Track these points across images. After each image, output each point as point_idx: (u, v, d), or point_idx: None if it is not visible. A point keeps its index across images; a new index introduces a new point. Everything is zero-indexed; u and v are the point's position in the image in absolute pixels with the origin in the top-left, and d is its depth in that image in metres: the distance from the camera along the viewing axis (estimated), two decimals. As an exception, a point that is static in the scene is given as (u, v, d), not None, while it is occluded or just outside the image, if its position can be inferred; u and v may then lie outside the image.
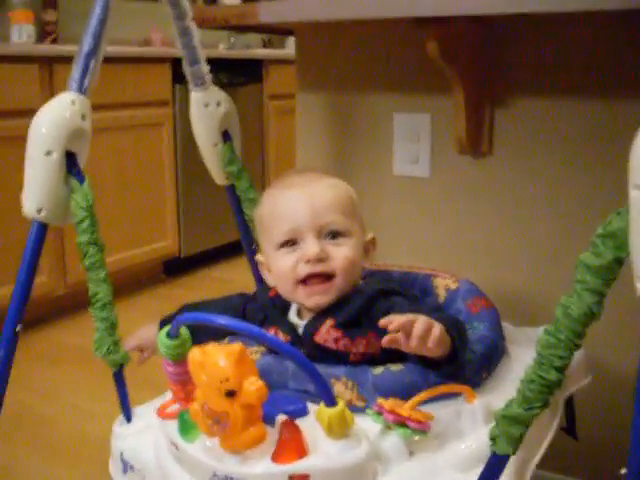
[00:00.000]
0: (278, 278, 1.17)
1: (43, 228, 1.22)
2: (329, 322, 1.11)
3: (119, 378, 1.20)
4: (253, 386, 0.83)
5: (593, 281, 0.77)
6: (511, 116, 1.60)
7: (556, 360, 0.80)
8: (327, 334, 1.11)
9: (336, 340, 1.10)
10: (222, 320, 0.85)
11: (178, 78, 3.41)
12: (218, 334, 1.19)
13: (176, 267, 3.71)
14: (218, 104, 1.47)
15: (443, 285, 1.28)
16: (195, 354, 0.86)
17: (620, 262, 0.76)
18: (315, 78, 1.82)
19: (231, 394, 0.83)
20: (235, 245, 3.75)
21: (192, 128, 1.49)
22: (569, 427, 1.24)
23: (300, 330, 1.15)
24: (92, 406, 2.27)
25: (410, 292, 1.21)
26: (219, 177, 1.53)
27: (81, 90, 1.22)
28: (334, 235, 1.14)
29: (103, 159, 3.12)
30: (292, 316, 1.18)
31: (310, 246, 1.12)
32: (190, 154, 3.50)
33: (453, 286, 1.27)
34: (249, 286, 1.63)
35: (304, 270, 1.12)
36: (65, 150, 1.19)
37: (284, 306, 1.20)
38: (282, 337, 1.15)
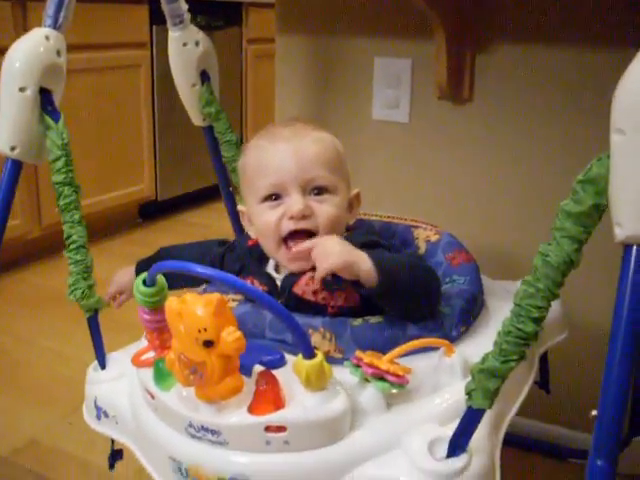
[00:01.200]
0: (261, 233, 1.15)
1: (17, 166, 1.20)
2: (309, 274, 1.09)
3: (93, 323, 1.20)
4: (231, 336, 0.82)
5: (572, 228, 0.76)
6: (492, 62, 1.58)
7: (533, 311, 0.79)
8: (306, 286, 1.09)
9: (315, 292, 1.09)
10: (199, 269, 0.83)
11: (156, 19, 3.34)
12: (194, 281, 1.19)
13: (152, 211, 3.67)
14: (196, 44, 1.45)
15: (424, 237, 1.27)
16: (173, 303, 0.85)
17: (600, 209, 0.75)
18: (295, 21, 1.78)
19: (209, 344, 0.82)
20: (212, 190, 3.71)
21: (170, 68, 1.47)
22: (542, 381, 1.24)
23: (278, 282, 1.13)
24: (66, 349, 2.26)
25: (391, 243, 1.19)
26: (197, 118, 1.51)
27: (55, 26, 1.19)
28: (319, 191, 1.11)
29: (79, 101, 3.06)
30: (270, 269, 1.17)
31: (294, 202, 1.09)
32: (168, 97, 3.45)
33: (434, 238, 1.26)
34: (226, 231, 1.62)
35: (287, 227, 1.10)
36: (39, 87, 1.16)
37: (262, 257, 1.18)
38: (259, 288, 1.14)
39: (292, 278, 1.11)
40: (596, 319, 1.58)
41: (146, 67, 3.41)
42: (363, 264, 0.98)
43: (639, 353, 0.75)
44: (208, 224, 3.54)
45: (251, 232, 1.20)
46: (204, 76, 1.47)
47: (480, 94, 1.61)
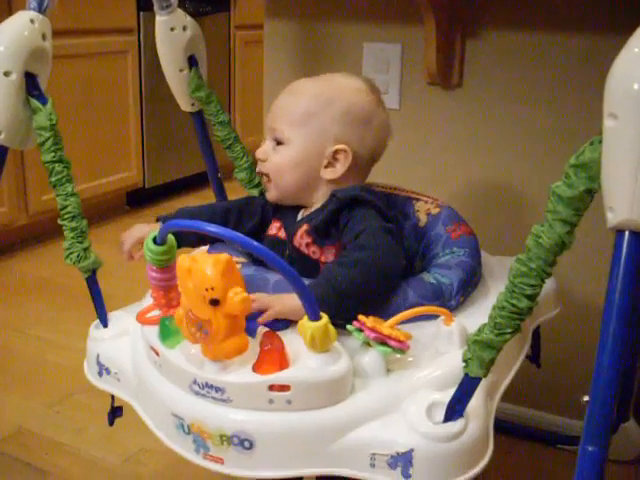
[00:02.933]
0: None
1: (3, 151, 1.19)
2: (305, 226, 1.15)
3: (92, 283, 1.21)
4: (237, 297, 0.84)
5: (565, 211, 0.77)
6: (482, 47, 1.59)
7: (527, 288, 0.81)
8: (301, 238, 1.14)
9: (307, 245, 1.14)
10: (210, 227, 0.85)
11: (143, 5, 3.32)
12: (201, 240, 1.22)
13: (140, 198, 3.65)
14: (184, 28, 1.43)
15: (425, 209, 1.27)
16: (184, 261, 0.86)
17: (592, 193, 0.76)
18: (284, 6, 1.78)
19: (215, 302, 0.84)
20: (200, 176, 3.70)
21: (158, 53, 1.45)
22: (533, 356, 1.25)
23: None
24: (53, 337, 2.25)
25: (389, 211, 1.19)
26: (185, 104, 1.50)
27: (41, 9, 1.18)
28: (278, 142, 1.19)
29: (65, 87, 3.03)
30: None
31: (260, 147, 1.20)
32: (155, 83, 3.43)
33: (434, 211, 1.26)
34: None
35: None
36: (25, 71, 1.15)
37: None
38: (279, 231, 1.21)
39: (293, 229, 1.16)
40: (587, 296, 1.60)
41: (133, 53, 3.39)
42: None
43: (630, 339, 0.74)
44: (196, 211, 3.52)
45: None
46: (192, 61, 1.46)
47: (470, 79, 1.62)
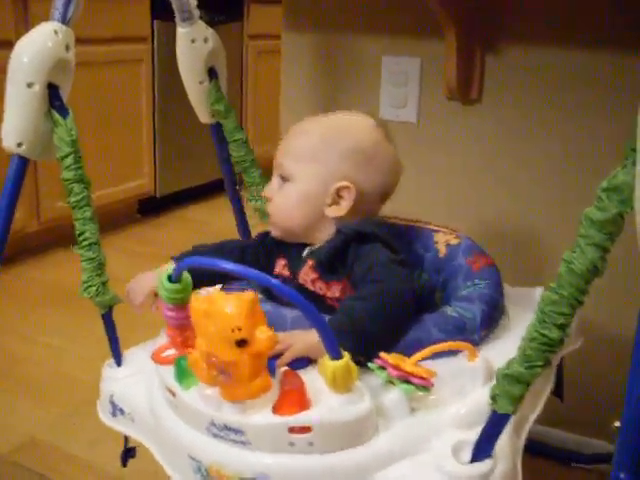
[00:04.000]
0: None
1: (23, 163, 1.18)
2: (310, 262, 1.13)
3: (108, 320, 1.19)
4: (264, 334, 0.82)
5: (597, 236, 0.75)
6: (502, 63, 1.58)
7: (558, 317, 0.78)
8: (306, 275, 1.12)
9: (313, 281, 1.12)
10: (226, 265, 0.82)
11: (157, 14, 3.32)
12: (215, 279, 1.18)
13: (151, 207, 3.65)
14: (205, 40, 1.42)
15: (444, 240, 1.25)
16: (200, 302, 0.84)
17: (624, 217, 0.75)
18: (302, 18, 1.77)
19: (242, 343, 0.81)
20: (212, 186, 3.70)
21: (178, 65, 1.45)
22: (556, 389, 1.23)
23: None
24: (66, 345, 2.24)
25: (395, 242, 1.17)
26: (204, 116, 1.49)
27: (64, 20, 1.17)
28: (283, 179, 1.18)
29: (78, 95, 3.02)
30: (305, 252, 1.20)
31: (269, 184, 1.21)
32: (169, 92, 3.43)
33: (454, 242, 1.25)
34: (225, 228, 1.61)
35: None
36: (47, 82, 1.14)
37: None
38: (286, 271, 1.18)
39: (298, 265, 1.14)
40: (606, 318, 1.57)
41: (147, 62, 3.39)
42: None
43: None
44: (208, 220, 3.52)
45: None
46: (212, 73, 1.46)
47: (489, 94, 1.61)
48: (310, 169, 1.16)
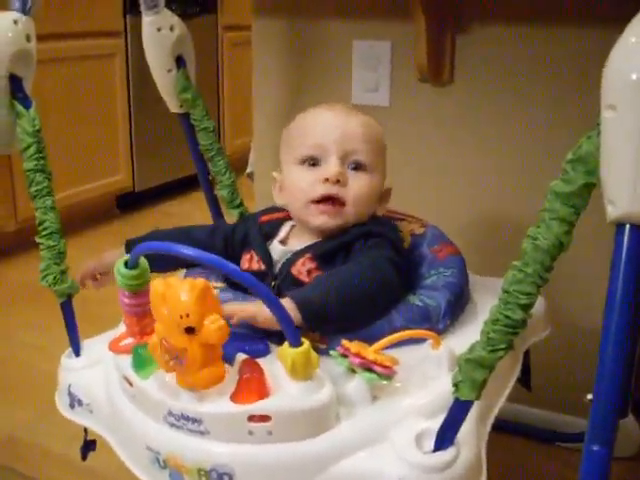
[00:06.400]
0: (292, 193, 1.15)
1: (-12, 154, 1.17)
2: (307, 255, 1.09)
3: (67, 309, 1.17)
4: (214, 325, 0.80)
5: (562, 209, 0.74)
6: (473, 42, 1.57)
7: (522, 297, 0.77)
8: (302, 266, 1.09)
9: (309, 272, 1.08)
10: (184, 250, 0.80)
11: (130, 8, 3.29)
12: (177, 264, 1.18)
13: (130, 202, 3.62)
14: (171, 28, 1.41)
15: (408, 230, 1.24)
16: (157, 286, 0.82)
17: (590, 188, 0.74)
18: (272, 4, 1.75)
19: (190, 331, 0.80)
20: (191, 179, 3.67)
21: (145, 54, 1.43)
22: (524, 378, 1.22)
23: (277, 260, 1.13)
24: (44, 344, 2.21)
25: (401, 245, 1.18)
26: (173, 105, 1.48)
27: (24, 10, 1.15)
28: (357, 166, 1.12)
29: (52, 92, 3.00)
30: (275, 243, 1.16)
31: (331, 166, 1.10)
32: (144, 86, 3.39)
33: (419, 231, 1.24)
34: (207, 221, 1.59)
35: (321, 189, 1.10)
36: (9, 73, 1.13)
37: (270, 234, 1.18)
38: (255, 264, 1.13)
39: (292, 259, 1.10)
40: (583, 293, 1.58)
41: (121, 56, 3.36)
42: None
43: (633, 336, 0.73)
44: (187, 214, 3.48)
45: (280, 199, 1.20)
46: (180, 61, 1.44)
47: (461, 75, 1.60)
48: (381, 164, 1.16)
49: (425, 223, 1.25)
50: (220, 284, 1.10)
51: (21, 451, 1.72)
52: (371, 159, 1.13)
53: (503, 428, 1.65)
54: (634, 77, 0.66)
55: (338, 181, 1.09)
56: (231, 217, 1.49)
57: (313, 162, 1.12)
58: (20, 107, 1.14)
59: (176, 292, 0.80)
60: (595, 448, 0.73)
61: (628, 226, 0.71)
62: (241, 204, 1.48)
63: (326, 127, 1.12)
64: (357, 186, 1.11)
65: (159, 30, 1.40)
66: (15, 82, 1.14)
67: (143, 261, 0.92)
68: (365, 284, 1.01)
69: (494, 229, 1.63)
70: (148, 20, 1.40)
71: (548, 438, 1.68)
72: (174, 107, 1.49)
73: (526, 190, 1.56)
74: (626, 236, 0.71)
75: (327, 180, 1.09)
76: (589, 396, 0.75)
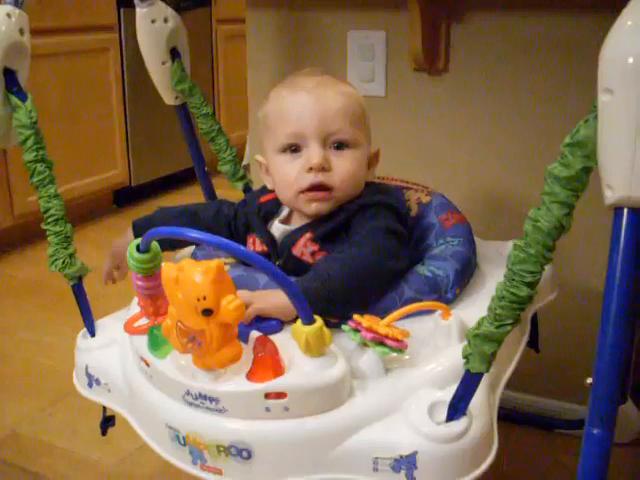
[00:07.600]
0: (279, 186, 1.15)
1: (-16, 149, 1.17)
2: (308, 235, 1.10)
3: (79, 291, 1.18)
4: (231, 305, 0.80)
5: (562, 192, 0.75)
6: (467, 31, 1.57)
7: (527, 275, 0.78)
8: (304, 247, 1.09)
9: (312, 254, 1.09)
10: (194, 234, 0.81)
11: (123, 2, 3.29)
12: (186, 243, 1.23)
13: (127, 197, 3.62)
14: (165, 20, 1.41)
15: (415, 198, 1.25)
16: (170, 270, 0.83)
17: (589, 172, 0.74)
18: (266, -6, 1.75)
19: (208, 313, 0.81)
20: (187, 173, 3.68)
21: (139, 46, 1.43)
22: (532, 341, 1.24)
23: (278, 239, 1.14)
24: (44, 339, 2.22)
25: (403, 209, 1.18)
26: (169, 97, 1.48)
27: (17, 3, 1.15)
28: (339, 145, 1.11)
29: (47, 86, 3.00)
30: (276, 223, 1.16)
31: (313, 154, 1.08)
32: (138, 80, 3.39)
33: (425, 199, 1.24)
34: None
35: (307, 180, 1.09)
36: (3, 67, 1.12)
37: (269, 214, 1.18)
38: (259, 247, 1.15)
39: (291, 239, 1.11)
40: (584, 279, 1.59)
41: (115, 50, 3.35)
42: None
43: (632, 319, 0.73)
44: (185, 208, 3.49)
45: (268, 183, 1.20)
46: (174, 53, 1.44)
47: (456, 64, 1.60)
48: (363, 132, 1.14)
49: (431, 191, 1.26)
50: (230, 260, 1.11)
51: (24, 446, 1.73)
52: (352, 133, 1.11)
53: (503, 416, 1.66)
54: (630, 60, 0.67)
55: (323, 168, 1.08)
56: (236, 190, 1.50)
57: (294, 148, 1.11)
58: (16, 100, 1.13)
59: (190, 275, 0.81)
60: (595, 431, 0.74)
61: (626, 210, 0.71)
62: (244, 176, 1.48)
63: (303, 111, 1.10)
64: (342, 166, 1.10)
65: (153, 22, 1.40)
66: (9, 76, 1.14)
67: (155, 244, 0.93)
68: (368, 271, 1.01)
69: (490, 217, 1.63)
70: (142, 12, 1.39)
71: (548, 425, 1.69)
72: (170, 99, 1.48)
73: (523, 177, 1.56)
74: (624, 220, 0.71)
75: (311, 169, 1.09)
76: (589, 380, 0.75)
